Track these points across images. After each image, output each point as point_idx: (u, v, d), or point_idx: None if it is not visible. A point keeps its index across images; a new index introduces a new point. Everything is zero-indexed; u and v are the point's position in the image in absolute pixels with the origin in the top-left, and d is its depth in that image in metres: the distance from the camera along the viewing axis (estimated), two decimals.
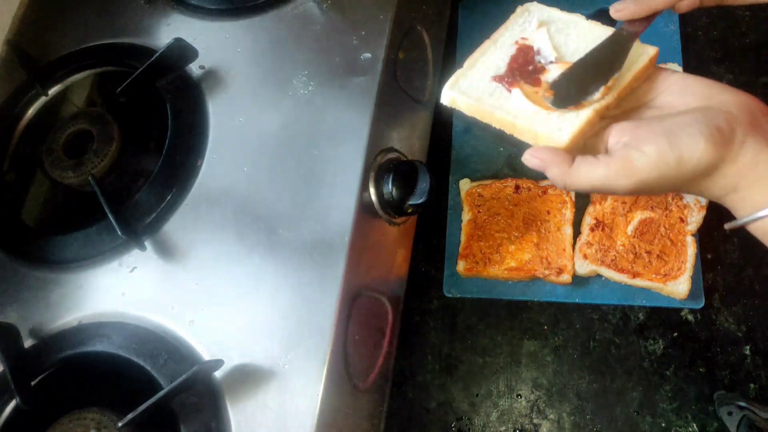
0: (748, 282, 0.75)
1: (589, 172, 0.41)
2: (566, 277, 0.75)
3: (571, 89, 0.43)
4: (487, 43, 0.48)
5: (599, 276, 0.76)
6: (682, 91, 0.43)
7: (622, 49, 0.44)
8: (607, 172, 0.40)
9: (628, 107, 0.46)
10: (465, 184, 0.83)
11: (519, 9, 0.49)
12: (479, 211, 0.81)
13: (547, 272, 0.75)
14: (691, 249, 0.72)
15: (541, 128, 0.43)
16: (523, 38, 0.47)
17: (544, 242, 0.77)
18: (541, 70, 0.45)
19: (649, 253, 0.74)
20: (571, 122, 0.43)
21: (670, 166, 0.39)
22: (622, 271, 0.74)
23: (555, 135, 0.42)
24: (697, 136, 0.39)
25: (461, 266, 0.79)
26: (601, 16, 0.48)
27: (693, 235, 0.73)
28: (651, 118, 0.44)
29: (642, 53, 0.45)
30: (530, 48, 0.47)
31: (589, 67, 0.44)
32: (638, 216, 0.75)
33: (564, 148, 0.42)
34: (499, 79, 0.45)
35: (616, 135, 0.42)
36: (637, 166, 0.40)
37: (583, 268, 0.75)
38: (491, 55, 0.47)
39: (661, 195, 0.75)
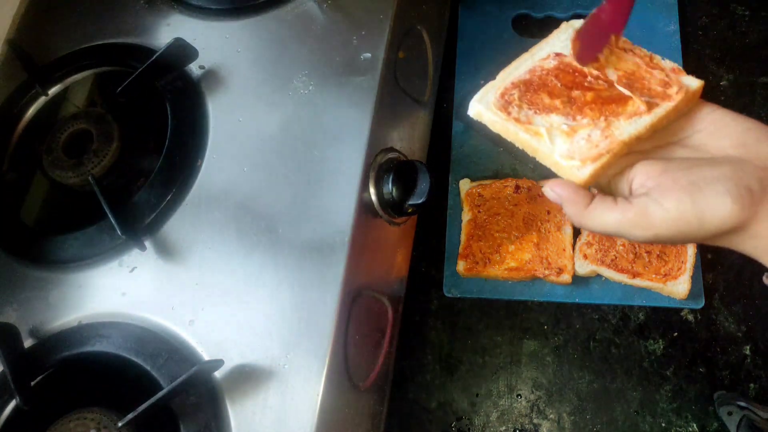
0: (748, 282, 0.75)
1: (604, 216, 0.39)
2: (566, 277, 0.75)
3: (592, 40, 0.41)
4: (524, 56, 0.45)
5: (599, 276, 0.76)
6: (718, 133, 0.41)
7: None
8: (622, 219, 0.39)
9: (660, 142, 0.43)
10: (465, 184, 0.83)
11: (563, 25, 0.47)
12: (479, 211, 0.81)
13: (547, 272, 0.75)
14: (691, 249, 0.72)
15: (562, 161, 0.41)
16: (558, 54, 0.45)
17: (544, 242, 0.77)
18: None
19: (649, 252, 0.74)
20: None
21: (691, 224, 0.37)
22: (622, 271, 0.74)
23: (575, 170, 0.41)
24: (723, 196, 0.36)
25: (461, 266, 0.79)
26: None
27: None
28: (681, 160, 0.41)
29: (685, 88, 0.42)
30: (569, 65, 0.44)
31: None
32: None
33: (583, 183, 0.41)
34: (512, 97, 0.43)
35: (641, 178, 0.40)
36: (654, 219, 0.38)
37: (583, 268, 0.75)
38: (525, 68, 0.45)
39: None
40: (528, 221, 0.78)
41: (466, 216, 0.81)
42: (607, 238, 0.75)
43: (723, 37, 0.87)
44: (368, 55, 0.64)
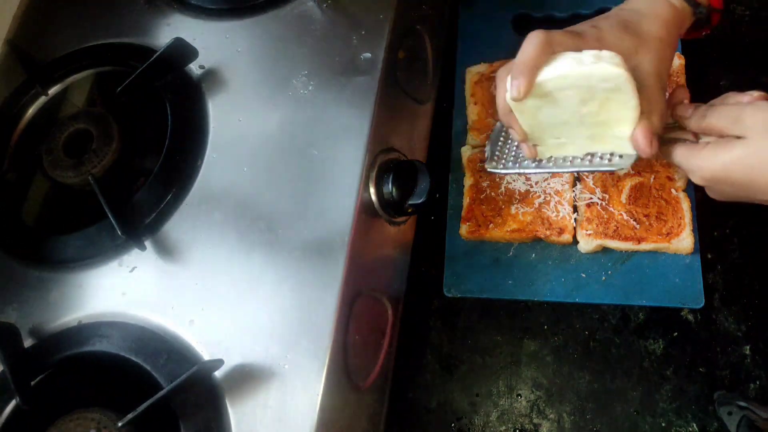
0: (748, 282, 0.75)
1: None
2: (567, 237, 0.74)
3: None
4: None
5: (599, 276, 0.76)
6: None
7: None
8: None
9: None
10: (466, 151, 0.83)
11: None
12: (480, 176, 0.81)
13: (548, 232, 0.75)
14: (685, 204, 0.73)
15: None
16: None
17: (545, 204, 0.77)
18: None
19: (647, 216, 0.74)
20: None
21: None
22: (626, 239, 0.73)
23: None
24: None
25: (464, 229, 0.78)
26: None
27: (683, 190, 0.74)
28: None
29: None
30: None
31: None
32: (628, 183, 0.75)
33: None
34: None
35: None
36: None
37: (588, 244, 0.74)
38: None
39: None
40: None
41: (468, 181, 0.81)
42: (605, 210, 0.74)
43: (723, 37, 0.87)
44: (368, 55, 0.64)
